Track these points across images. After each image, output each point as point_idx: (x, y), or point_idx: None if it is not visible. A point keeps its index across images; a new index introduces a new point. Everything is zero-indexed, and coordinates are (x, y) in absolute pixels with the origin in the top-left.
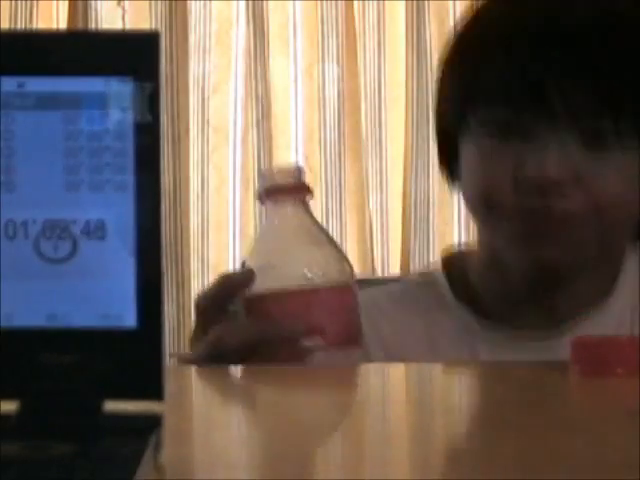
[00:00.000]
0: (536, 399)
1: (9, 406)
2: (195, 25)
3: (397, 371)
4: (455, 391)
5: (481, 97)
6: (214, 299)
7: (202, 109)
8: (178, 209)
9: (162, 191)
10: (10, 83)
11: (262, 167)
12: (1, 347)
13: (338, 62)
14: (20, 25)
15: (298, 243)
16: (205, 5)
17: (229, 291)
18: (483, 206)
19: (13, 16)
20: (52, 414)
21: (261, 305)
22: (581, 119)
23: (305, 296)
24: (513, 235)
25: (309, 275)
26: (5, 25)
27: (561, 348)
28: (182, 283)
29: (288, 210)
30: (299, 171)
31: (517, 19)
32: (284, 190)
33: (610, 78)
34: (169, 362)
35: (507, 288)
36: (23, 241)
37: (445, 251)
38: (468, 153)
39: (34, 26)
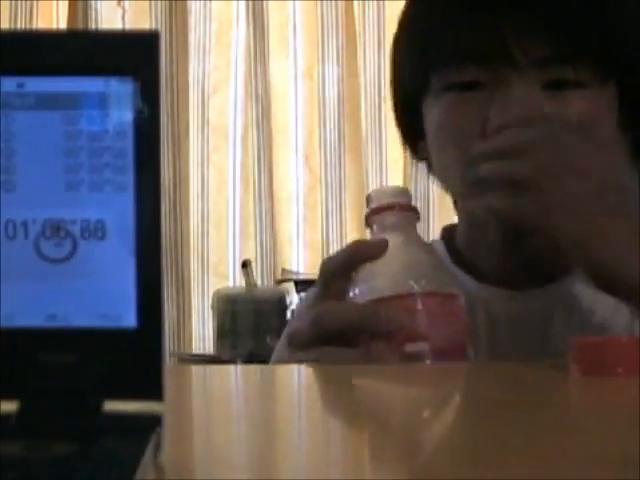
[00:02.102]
0: (536, 399)
1: (9, 406)
2: (195, 25)
3: (393, 371)
4: (454, 390)
5: (446, 61)
6: (341, 265)
7: (202, 109)
8: (178, 209)
9: (162, 191)
10: (10, 83)
11: (262, 167)
12: (1, 347)
13: (338, 62)
14: (20, 25)
15: (404, 254)
16: (205, 5)
17: (358, 259)
18: (453, 162)
19: (13, 16)
20: (52, 414)
21: None
22: (541, 70)
23: (409, 300)
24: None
25: (414, 283)
26: (5, 25)
27: (545, 301)
28: (182, 283)
29: (395, 226)
30: (406, 192)
31: None
32: (392, 207)
33: (564, 31)
34: (169, 362)
35: (484, 247)
36: (23, 241)
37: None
38: (433, 113)
39: (34, 26)
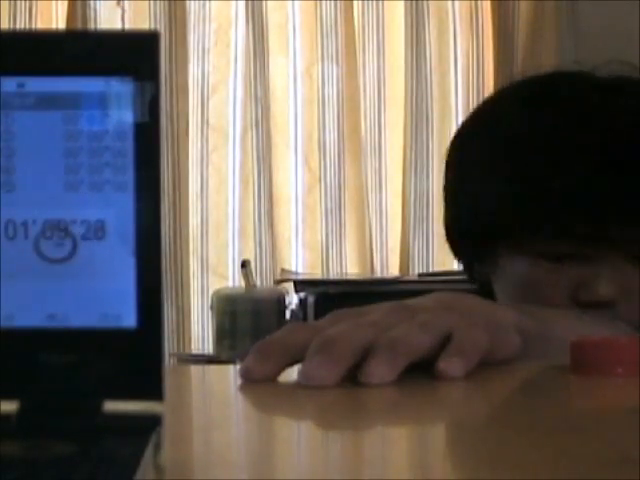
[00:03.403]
0: (536, 399)
1: (9, 406)
2: (194, 25)
3: None
4: (454, 391)
5: (539, 232)
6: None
7: (201, 109)
8: (178, 209)
9: (162, 191)
10: (10, 83)
11: (261, 167)
12: (1, 347)
13: (337, 62)
14: (20, 25)
15: None
16: (204, 5)
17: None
18: None
19: (13, 16)
20: (52, 414)
21: None
22: (633, 246)
23: None
24: None
25: None
26: (5, 25)
27: None
28: (181, 283)
29: None
30: None
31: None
32: None
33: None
34: (168, 362)
35: None
36: (23, 241)
37: None
38: (511, 271)
39: (33, 26)
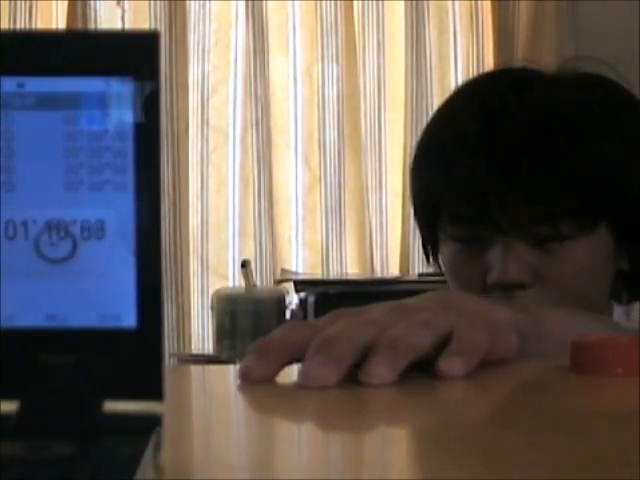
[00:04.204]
0: (536, 399)
1: (9, 406)
2: (194, 25)
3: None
4: (454, 391)
5: (443, 218)
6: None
7: (201, 109)
8: (178, 209)
9: (162, 191)
10: (10, 83)
11: (261, 167)
12: (1, 347)
13: (337, 62)
14: (20, 25)
15: None
16: (204, 5)
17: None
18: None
19: (13, 16)
20: (52, 414)
21: None
22: (525, 229)
23: None
24: None
25: None
26: (5, 25)
27: None
28: (181, 283)
29: None
30: None
31: (457, 152)
32: None
33: (545, 189)
34: (168, 362)
35: None
36: (23, 241)
37: None
38: (443, 254)
39: (33, 26)
